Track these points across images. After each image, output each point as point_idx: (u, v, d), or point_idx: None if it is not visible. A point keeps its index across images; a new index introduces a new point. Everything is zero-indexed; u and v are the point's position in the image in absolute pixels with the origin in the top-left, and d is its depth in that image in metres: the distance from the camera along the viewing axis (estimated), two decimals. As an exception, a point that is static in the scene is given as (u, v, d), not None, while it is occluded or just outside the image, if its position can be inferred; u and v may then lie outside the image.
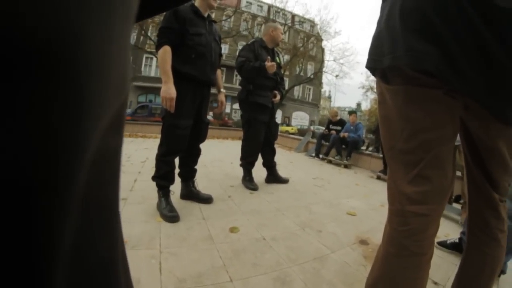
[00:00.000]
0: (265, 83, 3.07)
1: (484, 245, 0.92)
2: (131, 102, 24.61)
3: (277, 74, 3.19)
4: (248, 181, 3.15)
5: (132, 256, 1.44)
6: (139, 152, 5.03)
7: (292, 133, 17.26)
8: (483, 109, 0.74)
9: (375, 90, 0.99)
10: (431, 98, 0.77)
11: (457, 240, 1.85)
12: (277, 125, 3.47)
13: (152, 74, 24.68)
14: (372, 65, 0.88)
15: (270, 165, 3.44)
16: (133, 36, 22.74)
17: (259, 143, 3.16)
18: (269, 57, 2.95)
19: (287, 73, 21.59)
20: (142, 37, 19.99)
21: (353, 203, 2.79)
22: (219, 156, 5.29)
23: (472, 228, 0.95)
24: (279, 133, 10.31)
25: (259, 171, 3.38)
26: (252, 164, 3.21)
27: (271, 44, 3.20)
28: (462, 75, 0.68)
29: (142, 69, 25.24)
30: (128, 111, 17.51)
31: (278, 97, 3.24)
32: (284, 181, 3.51)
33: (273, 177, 3.47)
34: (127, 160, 4.26)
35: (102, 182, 0.29)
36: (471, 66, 0.67)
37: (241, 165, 3.26)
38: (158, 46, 1.96)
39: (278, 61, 3.20)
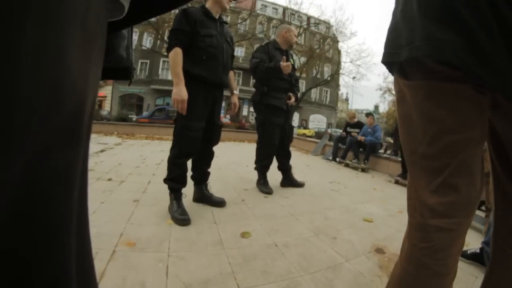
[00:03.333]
0: (280, 85, 3.03)
1: (511, 260, 0.81)
2: (149, 104, 25.15)
3: (292, 76, 3.14)
4: (263, 184, 3.10)
5: (139, 259, 1.43)
6: (154, 154, 5.09)
7: (310, 136, 17.08)
8: None
9: (393, 91, 0.90)
10: (457, 94, 0.68)
11: (478, 251, 1.71)
12: (292, 127, 3.44)
13: (169, 77, 24.69)
14: (389, 59, 0.78)
15: (285, 168, 3.37)
16: (150, 40, 23.28)
17: (273, 146, 3.11)
18: (284, 57, 2.91)
19: (303, 75, 21.44)
20: (158, 41, 20.35)
21: (370, 209, 2.69)
22: (234, 159, 5.27)
23: (498, 241, 0.84)
24: (296, 136, 10.29)
25: (274, 175, 3.32)
26: (266, 168, 3.16)
27: (285, 45, 3.16)
28: (490, 65, 0.59)
29: (159, 72, 25.74)
30: (146, 113, 17.90)
31: (293, 99, 3.21)
32: (299, 185, 3.42)
33: (288, 181, 3.40)
34: (142, 162, 4.31)
35: (48, 199, 0.27)
36: (500, 56, 0.57)
37: (255, 168, 3.21)
38: (169, 48, 1.95)
39: (292, 62, 3.12)
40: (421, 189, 0.75)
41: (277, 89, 3.02)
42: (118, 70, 0.61)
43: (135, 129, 10.49)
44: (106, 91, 26.45)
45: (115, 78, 0.64)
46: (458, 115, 0.69)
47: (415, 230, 0.77)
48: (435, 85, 0.69)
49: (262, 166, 3.15)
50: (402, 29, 0.72)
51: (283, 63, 2.80)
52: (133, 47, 0.64)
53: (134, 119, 15.06)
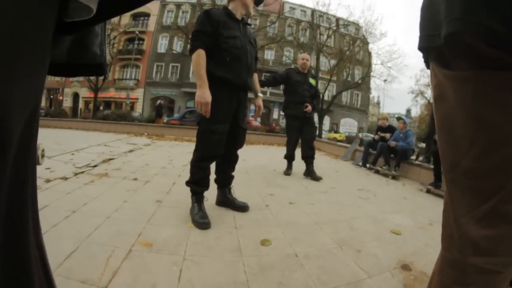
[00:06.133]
0: (293, 99, 4.18)
1: None
2: (180, 107, 25.92)
3: (308, 91, 4.19)
4: (286, 169, 4.33)
5: (154, 260, 1.43)
6: (182, 156, 5.17)
7: (340, 141, 16.69)
8: None
9: (426, 94, 0.73)
10: None
11: None
12: (313, 128, 4.45)
13: (199, 80, 25.71)
14: (425, 44, 0.61)
15: (306, 156, 4.27)
16: (180, 45, 23.95)
17: (291, 142, 4.33)
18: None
19: (334, 78, 21.01)
20: (188, 45, 20.86)
21: (399, 220, 2.52)
22: (262, 162, 5.23)
23: None
24: (325, 140, 10.37)
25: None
26: (289, 157, 4.38)
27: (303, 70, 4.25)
28: None
29: (190, 75, 26.36)
30: (177, 115, 18.43)
31: (309, 107, 4.12)
32: (316, 178, 4.06)
33: (308, 171, 4.20)
34: (169, 162, 4.39)
35: None
36: None
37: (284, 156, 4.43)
38: (192, 50, 1.94)
39: (313, 83, 4.30)
40: (462, 217, 0.59)
41: (293, 102, 4.16)
42: (93, 67, 0.63)
43: (165, 130, 10.78)
44: (138, 93, 27.59)
45: (90, 74, 0.67)
46: None
47: (449, 267, 0.62)
48: (490, 77, 0.51)
49: (286, 156, 4.37)
50: (440, 2, 0.54)
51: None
52: (106, 45, 0.66)
53: (165, 120, 15.50)
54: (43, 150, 0.67)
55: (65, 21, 0.45)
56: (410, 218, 2.64)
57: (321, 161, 6.21)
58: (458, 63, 0.56)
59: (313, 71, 4.82)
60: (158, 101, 13.75)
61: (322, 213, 2.51)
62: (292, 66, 4.93)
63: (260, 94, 2.39)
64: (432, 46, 0.59)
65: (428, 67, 0.68)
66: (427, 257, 1.76)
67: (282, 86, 4.52)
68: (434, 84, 0.64)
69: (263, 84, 4.03)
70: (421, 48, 0.64)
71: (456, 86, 0.57)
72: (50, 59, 0.49)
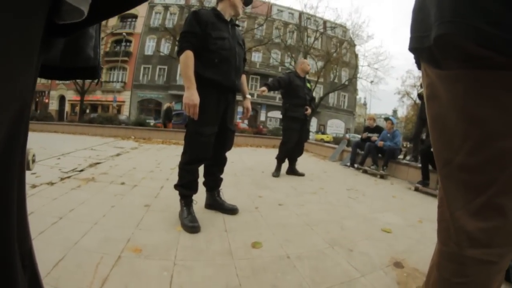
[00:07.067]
0: (295, 102, 4.29)
1: None
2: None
3: (307, 94, 4.38)
4: (276, 171, 4.34)
5: (144, 266, 1.39)
6: (170, 159, 5.10)
7: (327, 142, 16.82)
8: None
9: (412, 95, 0.75)
10: (510, 86, 0.52)
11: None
12: (308, 131, 4.64)
13: (187, 82, 25.63)
14: (416, 45, 0.62)
15: (293, 158, 4.59)
16: (167, 47, 23.77)
17: (291, 144, 4.35)
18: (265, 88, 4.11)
19: (321, 80, 21.19)
20: (176, 48, 20.74)
21: (389, 218, 2.54)
22: (250, 164, 5.19)
23: None
24: (313, 142, 10.49)
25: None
26: (282, 160, 4.43)
27: (302, 73, 4.43)
28: None
29: (177, 78, 26.17)
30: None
31: (309, 110, 4.35)
32: (300, 174, 4.49)
33: (291, 170, 4.56)
34: (157, 166, 4.32)
35: None
36: None
37: (276, 157, 4.44)
38: (179, 51, 1.91)
39: (309, 87, 4.50)
40: (457, 211, 0.60)
41: (295, 104, 4.26)
42: (87, 70, 0.62)
43: (152, 133, 10.65)
44: (125, 96, 27.20)
45: (83, 77, 0.64)
46: None
47: (447, 261, 0.63)
48: (480, 75, 0.53)
49: (279, 158, 4.38)
50: (431, 5, 0.56)
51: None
52: (101, 48, 0.63)
53: (152, 123, 15.32)
54: (33, 155, 0.63)
55: (58, 24, 0.44)
56: (400, 216, 2.67)
57: (309, 162, 6.26)
58: (448, 62, 0.57)
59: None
60: (167, 105, 13.63)
61: (312, 214, 2.51)
62: (280, 69, 5.37)
63: (248, 96, 2.37)
64: (422, 47, 0.61)
65: (419, 67, 0.70)
66: (419, 254, 1.78)
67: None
68: (426, 84, 0.66)
69: (270, 88, 4.15)
70: (411, 48, 0.66)
71: (447, 85, 0.59)
72: (43, 61, 0.47)
